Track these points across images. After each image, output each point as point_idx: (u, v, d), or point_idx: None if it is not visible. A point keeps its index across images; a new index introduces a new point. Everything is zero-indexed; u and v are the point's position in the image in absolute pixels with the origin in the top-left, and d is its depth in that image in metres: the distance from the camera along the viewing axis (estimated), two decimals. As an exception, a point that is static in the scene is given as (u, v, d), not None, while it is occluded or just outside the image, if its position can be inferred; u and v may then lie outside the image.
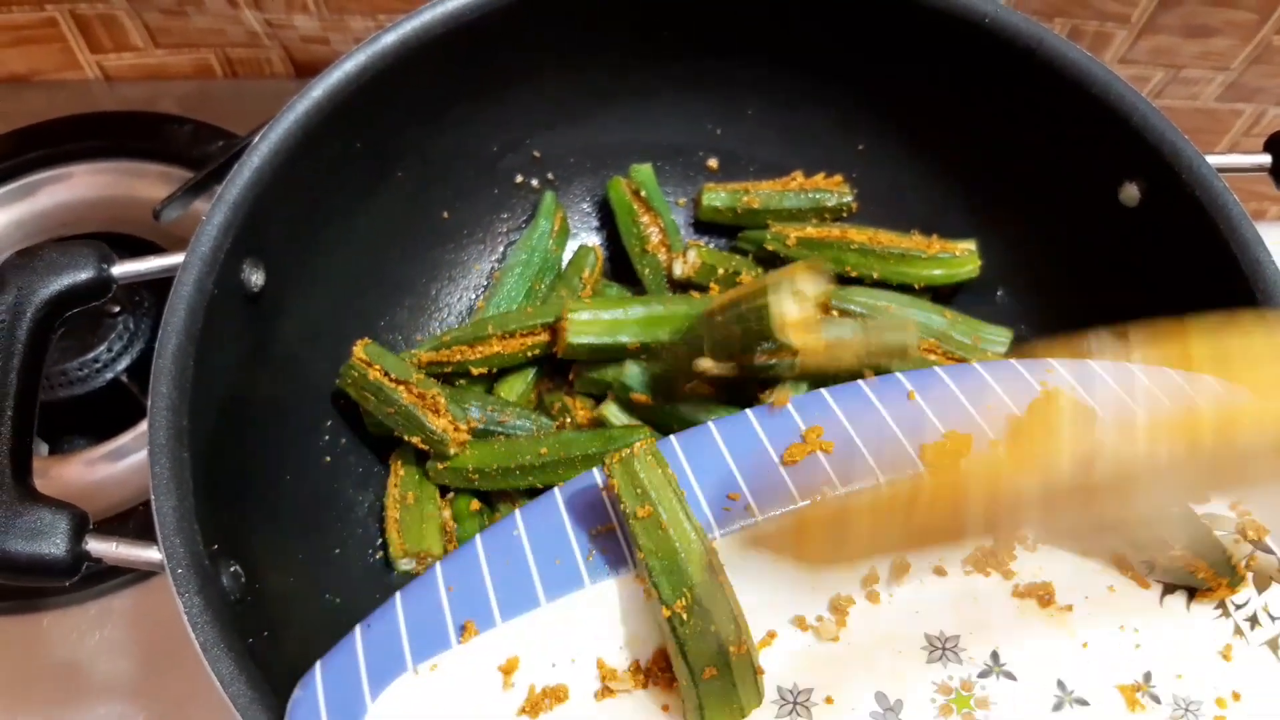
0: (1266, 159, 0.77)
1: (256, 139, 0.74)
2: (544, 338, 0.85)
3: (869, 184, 0.93)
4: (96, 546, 0.62)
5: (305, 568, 0.75)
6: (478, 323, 0.86)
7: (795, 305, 0.75)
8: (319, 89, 0.75)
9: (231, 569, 0.65)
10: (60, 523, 0.61)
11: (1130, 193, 0.79)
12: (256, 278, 0.74)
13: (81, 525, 0.61)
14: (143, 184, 1.08)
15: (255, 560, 0.68)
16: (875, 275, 0.86)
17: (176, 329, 0.66)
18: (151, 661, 0.88)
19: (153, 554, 0.61)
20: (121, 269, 0.70)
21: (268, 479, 0.75)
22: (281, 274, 0.76)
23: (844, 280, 0.87)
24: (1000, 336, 0.84)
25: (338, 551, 0.79)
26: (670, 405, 0.81)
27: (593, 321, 0.82)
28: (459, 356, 0.85)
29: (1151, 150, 0.76)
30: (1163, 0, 1.03)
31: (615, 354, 0.83)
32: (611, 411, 0.82)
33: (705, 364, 0.77)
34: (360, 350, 0.80)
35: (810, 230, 0.87)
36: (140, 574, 0.90)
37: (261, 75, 1.17)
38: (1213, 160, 0.75)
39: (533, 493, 0.80)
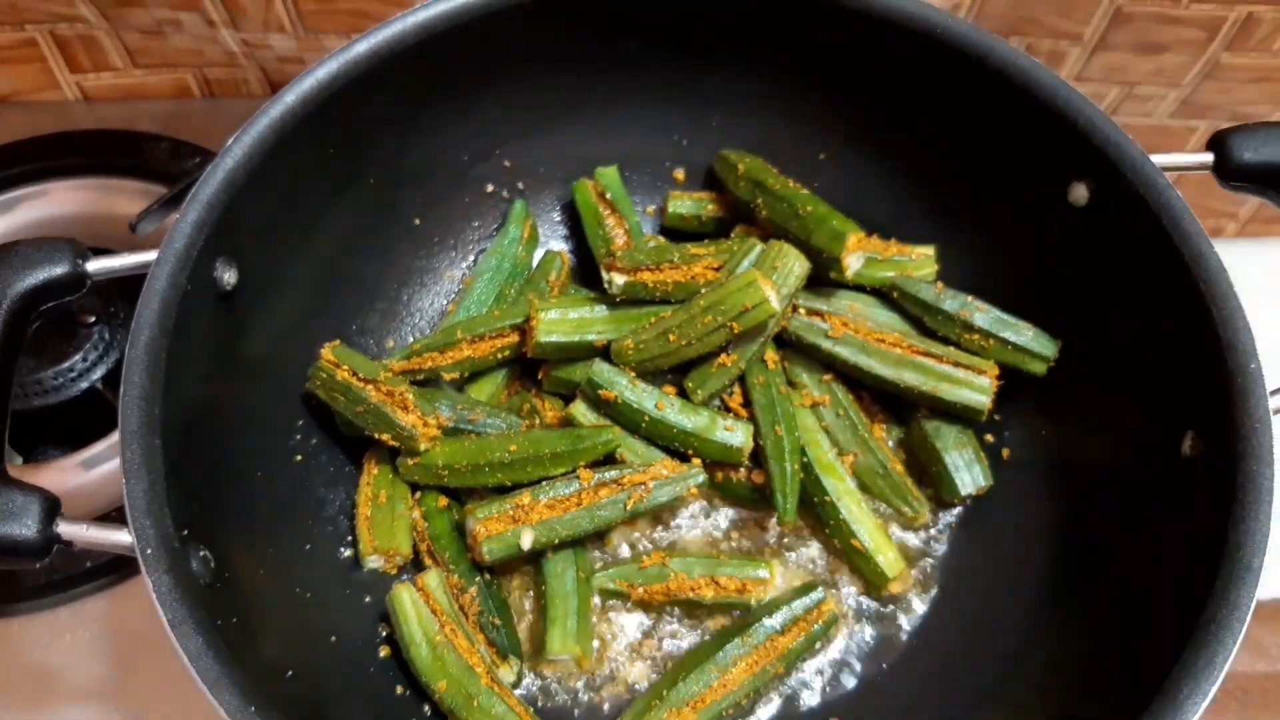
0: (1209, 157, 0.79)
1: (230, 141, 0.76)
2: (513, 339, 0.87)
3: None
4: (67, 529, 0.62)
5: (275, 561, 0.76)
6: (447, 329, 0.88)
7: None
8: (292, 94, 0.78)
9: (201, 554, 0.66)
10: (31, 505, 0.62)
11: (1079, 193, 0.81)
12: (229, 276, 0.75)
13: (53, 508, 0.62)
14: (120, 200, 1.09)
15: (225, 550, 0.69)
16: (831, 275, 0.88)
17: (149, 321, 0.68)
18: (123, 665, 0.88)
19: (123, 536, 0.62)
20: (96, 265, 0.72)
21: (239, 474, 0.77)
22: (254, 274, 0.77)
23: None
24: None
25: (308, 547, 0.80)
26: (639, 404, 0.82)
27: (561, 320, 0.84)
28: (430, 363, 0.86)
29: (1097, 151, 0.78)
30: (1114, 17, 1.06)
31: (583, 352, 0.85)
32: (580, 411, 0.84)
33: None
34: (328, 352, 0.82)
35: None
36: (112, 579, 0.91)
37: (239, 95, 1.19)
38: (1157, 160, 0.77)
39: (501, 490, 0.81)
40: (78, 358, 0.97)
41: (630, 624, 0.82)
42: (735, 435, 0.82)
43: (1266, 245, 1.27)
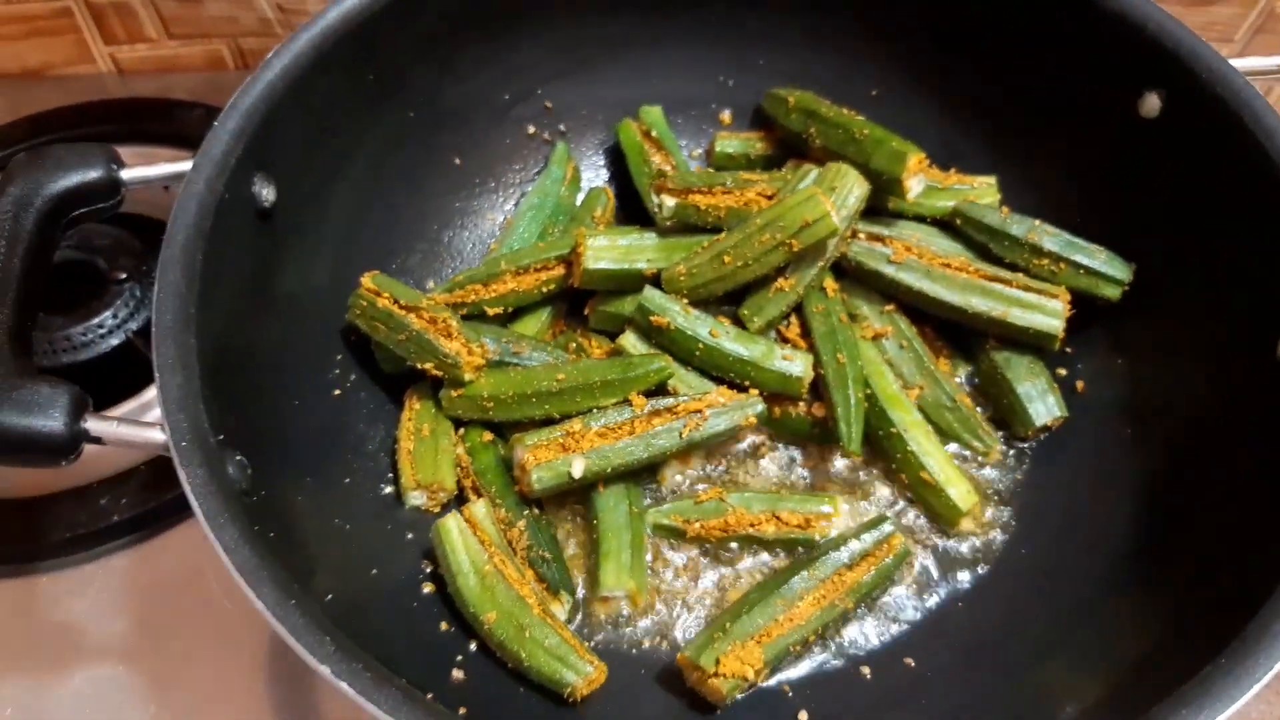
0: (1287, 60, 0.76)
1: (270, 55, 0.74)
2: (559, 271, 0.83)
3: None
4: (96, 426, 0.59)
5: (314, 490, 0.72)
6: (491, 260, 0.85)
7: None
8: (334, 11, 0.76)
9: (237, 458, 0.62)
10: (59, 398, 0.58)
11: (1151, 104, 0.78)
12: (267, 193, 0.72)
13: (80, 403, 0.59)
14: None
15: (262, 467, 0.65)
16: (889, 206, 0.84)
17: (186, 223, 0.65)
18: (148, 622, 0.83)
19: (155, 434, 0.59)
20: (131, 173, 0.70)
21: (275, 400, 0.73)
22: (293, 196, 0.75)
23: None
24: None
25: (347, 481, 0.76)
26: (692, 331, 0.78)
27: (609, 247, 0.81)
28: (473, 296, 0.83)
29: (1169, 56, 0.75)
30: (1164, -35, 1.04)
31: (632, 281, 0.81)
32: (630, 341, 0.80)
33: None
34: (368, 280, 0.79)
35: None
36: (138, 535, 0.87)
37: (273, 67, 1.17)
38: (1235, 64, 0.74)
39: (549, 423, 0.77)
40: (108, 314, 0.94)
41: (686, 562, 0.77)
42: (794, 364, 0.78)
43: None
